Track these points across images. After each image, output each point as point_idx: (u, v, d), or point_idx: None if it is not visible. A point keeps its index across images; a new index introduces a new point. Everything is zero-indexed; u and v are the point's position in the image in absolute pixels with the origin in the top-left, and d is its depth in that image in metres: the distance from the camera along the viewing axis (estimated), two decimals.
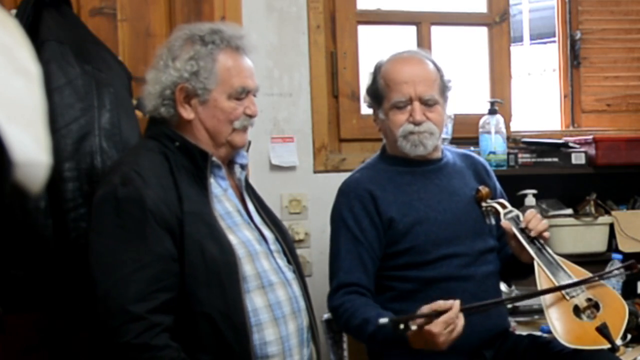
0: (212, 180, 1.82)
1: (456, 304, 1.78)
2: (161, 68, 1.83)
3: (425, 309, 1.77)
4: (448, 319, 1.74)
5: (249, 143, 1.98)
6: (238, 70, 1.84)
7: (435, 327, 1.73)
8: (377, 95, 2.14)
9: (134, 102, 2.14)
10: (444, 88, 2.13)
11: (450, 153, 2.23)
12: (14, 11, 1.94)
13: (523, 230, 1.99)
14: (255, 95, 1.91)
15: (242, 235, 1.81)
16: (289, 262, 1.91)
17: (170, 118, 1.82)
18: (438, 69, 2.14)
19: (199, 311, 1.69)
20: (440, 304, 1.77)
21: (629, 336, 2.28)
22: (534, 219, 1.99)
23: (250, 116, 1.86)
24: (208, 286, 1.69)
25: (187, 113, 1.81)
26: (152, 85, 1.84)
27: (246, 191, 1.95)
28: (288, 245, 1.94)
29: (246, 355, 1.71)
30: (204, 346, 1.70)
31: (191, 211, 1.72)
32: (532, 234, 1.98)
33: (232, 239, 1.76)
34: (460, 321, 1.77)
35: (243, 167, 1.95)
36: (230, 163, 1.93)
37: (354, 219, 2.07)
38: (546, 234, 1.99)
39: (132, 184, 1.69)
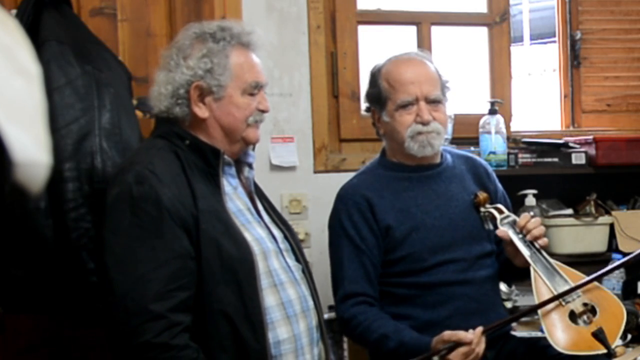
0: (222, 178, 1.81)
1: (477, 333, 1.82)
2: (172, 68, 1.81)
3: (446, 336, 1.82)
4: (467, 350, 1.80)
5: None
6: (250, 65, 1.84)
7: (456, 358, 1.79)
8: (379, 98, 2.13)
9: (134, 102, 2.14)
10: (444, 88, 2.14)
11: (450, 155, 2.22)
12: (14, 11, 1.94)
13: (519, 236, 1.99)
14: (265, 91, 1.91)
15: (255, 232, 1.81)
16: (297, 260, 1.90)
17: (184, 117, 1.81)
18: (437, 70, 2.15)
19: (217, 309, 1.68)
20: (461, 336, 1.81)
21: (629, 336, 2.28)
22: (530, 223, 1.99)
23: (263, 111, 1.86)
24: (225, 284, 1.68)
25: (201, 112, 1.80)
26: (164, 86, 1.81)
27: (255, 190, 1.95)
28: (297, 244, 1.94)
29: (263, 353, 1.70)
30: (222, 345, 1.68)
31: (206, 209, 1.71)
32: (528, 237, 1.98)
33: (247, 236, 1.76)
34: (480, 347, 1.82)
35: (250, 166, 1.94)
36: (237, 162, 1.92)
37: (353, 227, 2.07)
38: (542, 241, 1.99)
39: (147, 182, 1.68)
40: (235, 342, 1.68)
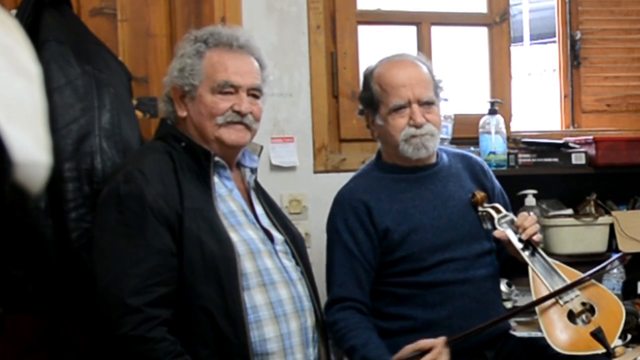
0: (216, 180, 1.85)
1: (439, 341, 1.85)
2: (169, 71, 1.92)
3: (409, 348, 1.85)
4: (431, 358, 1.83)
5: (261, 148, 2.00)
6: (225, 65, 1.86)
7: None
8: (372, 101, 2.12)
9: (134, 102, 2.14)
10: (437, 88, 2.13)
11: (446, 155, 2.21)
12: (14, 11, 1.94)
13: (517, 235, 1.99)
14: (257, 95, 1.91)
15: (244, 233, 1.83)
16: (297, 264, 1.92)
17: (169, 115, 1.90)
18: (430, 70, 2.14)
19: (198, 305, 1.72)
20: (422, 344, 1.84)
21: (629, 336, 2.28)
22: (525, 221, 1.99)
23: (239, 113, 1.85)
24: (206, 281, 1.72)
25: (180, 111, 1.88)
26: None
27: (256, 194, 1.97)
28: (297, 248, 1.96)
29: (244, 349, 1.73)
30: (202, 340, 1.72)
31: (191, 207, 1.75)
32: (523, 236, 1.98)
33: (234, 236, 1.79)
34: (444, 357, 1.85)
35: (253, 170, 1.97)
36: (239, 166, 1.96)
37: (348, 231, 2.06)
38: (536, 237, 1.99)
39: (134, 181, 1.73)
40: (215, 337, 1.72)
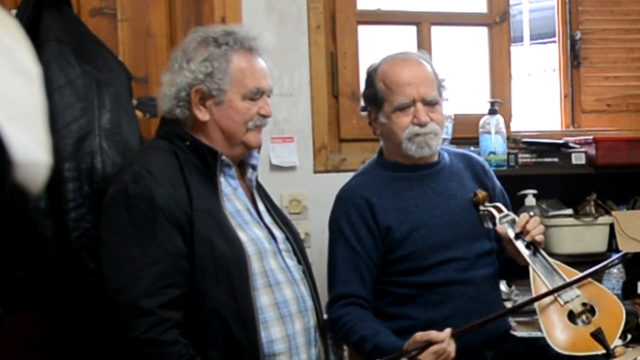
0: (222, 179, 1.84)
1: (446, 333, 1.82)
2: (176, 70, 1.85)
3: (418, 336, 1.81)
4: (438, 349, 1.79)
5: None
6: (252, 71, 1.86)
7: (426, 357, 1.78)
8: (375, 99, 2.12)
9: (134, 102, 2.14)
10: (440, 87, 2.14)
11: (447, 154, 2.22)
12: (14, 11, 1.94)
13: (518, 235, 1.99)
14: (270, 95, 1.93)
15: (251, 233, 1.83)
16: (299, 262, 1.92)
17: (185, 119, 1.84)
18: (433, 69, 2.14)
19: (209, 307, 1.71)
20: (432, 335, 1.80)
21: (629, 336, 2.28)
22: (529, 223, 1.98)
23: (264, 116, 1.88)
24: (217, 282, 1.71)
25: (202, 114, 1.84)
26: (168, 87, 1.86)
27: (257, 191, 1.97)
28: (298, 245, 1.96)
29: (255, 351, 1.72)
30: (213, 342, 1.71)
31: (201, 208, 1.74)
32: (527, 238, 1.97)
33: (242, 236, 1.78)
34: (451, 347, 1.81)
35: (254, 167, 1.97)
36: (241, 164, 1.95)
37: (351, 228, 2.06)
38: (539, 238, 1.98)
39: (142, 181, 1.71)
40: (226, 340, 1.71)
